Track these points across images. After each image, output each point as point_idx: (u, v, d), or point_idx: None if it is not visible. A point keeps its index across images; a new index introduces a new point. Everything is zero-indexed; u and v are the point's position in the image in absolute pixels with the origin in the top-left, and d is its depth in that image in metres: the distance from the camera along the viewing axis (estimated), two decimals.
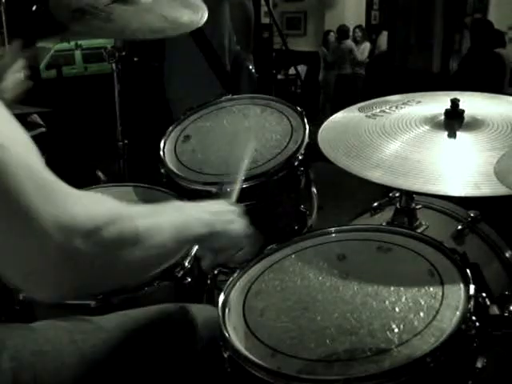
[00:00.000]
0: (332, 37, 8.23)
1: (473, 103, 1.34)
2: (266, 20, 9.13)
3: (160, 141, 1.59)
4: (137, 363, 0.97)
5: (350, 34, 8.15)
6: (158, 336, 1.02)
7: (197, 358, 1.04)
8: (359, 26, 8.48)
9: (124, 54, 1.96)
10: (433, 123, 1.29)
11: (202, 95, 2.44)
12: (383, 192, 1.58)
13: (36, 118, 3.24)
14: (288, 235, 1.30)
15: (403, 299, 0.99)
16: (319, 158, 1.33)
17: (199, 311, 1.12)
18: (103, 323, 0.99)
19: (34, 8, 3.72)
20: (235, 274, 1.15)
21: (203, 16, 1.76)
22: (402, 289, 1.01)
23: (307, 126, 1.51)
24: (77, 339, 0.93)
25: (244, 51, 2.78)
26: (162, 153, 1.54)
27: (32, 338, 0.90)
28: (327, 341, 0.93)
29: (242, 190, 1.40)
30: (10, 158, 0.64)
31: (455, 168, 1.14)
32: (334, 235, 1.26)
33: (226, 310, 1.05)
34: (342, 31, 7.89)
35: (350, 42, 7.87)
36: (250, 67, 2.83)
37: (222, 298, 1.08)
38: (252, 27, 2.67)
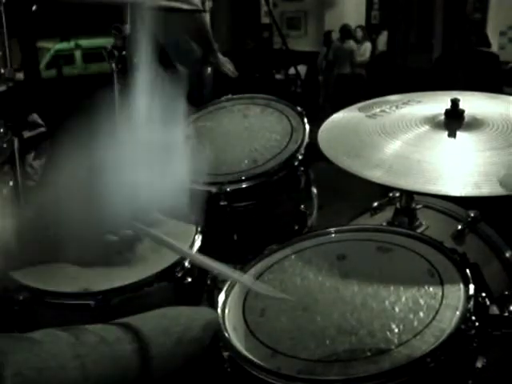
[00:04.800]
0: (335, 36, 8.22)
1: (473, 103, 1.34)
2: (266, 20, 9.16)
3: None
4: (138, 372, 0.97)
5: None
6: (159, 342, 1.02)
7: (197, 359, 1.04)
8: (360, 26, 8.47)
9: (124, 53, 1.96)
10: (433, 123, 1.29)
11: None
12: (383, 192, 1.58)
13: (36, 118, 3.24)
14: (288, 235, 1.30)
15: (403, 299, 0.99)
16: (319, 157, 1.33)
17: (196, 314, 1.11)
18: (105, 334, 0.98)
19: (33, 8, 3.72)
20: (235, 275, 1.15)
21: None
22: (401, 289, 1.01)
23: (307, 126, 1.51)
24: (80, 353, 0.92)
25: (208, 56, 2.85)
26: None
27: (35, 352, 0.88)
28: (327, 341, 0.93)
29: (242, 190, 1.41)
30: None
31: (455, 168, 1.14)
32: (333, 235, 1.26)
33: (226, 311, 1.05)
34: (345, 31, 7.88)
35: (352, 43, 7.86)
36: (209, 71, 2.89)
37: (222, 298, 1.08)
38: (206, 34, 2.73)
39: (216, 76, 3.03)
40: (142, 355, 0.97)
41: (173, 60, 2.71)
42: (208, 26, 2.75)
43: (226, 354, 0.95)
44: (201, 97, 2.83)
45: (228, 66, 2.90)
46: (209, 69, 2.93)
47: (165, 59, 2.70)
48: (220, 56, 2.89)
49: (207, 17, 2.80)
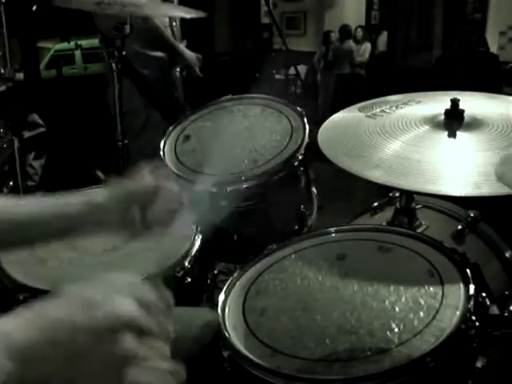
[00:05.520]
0: (334, 36, 8.22)
1: (473, 103, 1.34)
2: (266, 20, 9.15)
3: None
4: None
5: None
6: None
7: (197, 358, 1.04)
8: (360, 26, 8.47)
9: (124, 53, 1.96)
10: (433, 123, 1.29)
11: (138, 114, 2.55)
12: (383, 192, 1.58)
13: (36, 118, 3.24)
14: (288, 235, 1.30)
15: (403, 299, 0.99)
16: (319, 158, 1.33)
17: (198, 314, 1.12)
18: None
19: (33, 8, 3.72)
20: (235, 274, 1.15)
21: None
22: (401, 289, 1.01)
23: (307, 126, 1.51)
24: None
25: (175, 57, 2.88)
26: (161, 153, 1.54)
27: None
28: (327, 340, 0.93)
29: (242, 190, 1.41)
30: None
31: (455, 168, 1.14)
32: (333, 235, 1.26)
33: (226, 310, 1.05)
34: (345, 31, 7.87)
35: (351, 43, 7.86)
36: (177, 72, 2.91)
37: (221, 297, 1.08)
38: (163, 35, 2.76)
39: (186, 77, 3.04)
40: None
41: (136, 66, 2.72)
42: (163, 30, 2.75)
43: (225, 353, 0.95)
44: (172, 100, 2.83)
45: (196, 64, 2.92)
46: (177, 71, 2.94)
47: (128, 66, 2.70)
48: (188, 54, 2.89)
49: (165, 20, 2.80)
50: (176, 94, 2.93)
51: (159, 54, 2.82)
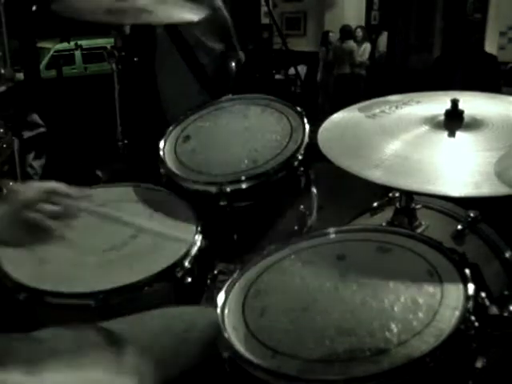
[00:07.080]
0: (333, 37, 8.21)
1: (473, 103, 1.33)
2: (266, 20, 9.15)
3: (160, 141, 1.59)
4: (140, 371, 0.97)
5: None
6: (161, 341, 1.01)
7: (197, 359, 1.04)
8: (360, 26, 8.47)
9: (124, 54, 1.96)
10: (433, 123, 1.29)
11: (192, 102, 2.57)
12: (383, 192, 1.58)
13: (36, 118, 3.24)
14: (288, 235, 1.30)
15: (402, 299, 0.99)
16: (319, 158, 1.33)
17: (199, 313, 1.11)
18: (107, 333, 0.98)
19: (33, 8, 3.72)
20: (235, 274, 1.15)
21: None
22: (401, 289, 1.01)
23: (307, 126, 1.51)
24: (82, 353, 0.92)
25: (230, 51, 2.94)
26: (161, 153, 1.54)
27: (40, 351, 0.88)
28: (327, 341, 0.93)
29: (242, 190, 1.41)
30: None
31: (455, 168, 1.14)
32: (333, 235, 1.26)
33: (226, 311, 1.05)
34: (346, 31, 7.88)
35: (352, 43, 7.86)
36: (233, 65, 2.95)
37: (221, 298, 1.08)
38: (230, 29, 2.80)
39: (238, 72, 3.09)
40: (144, 355, 0.97)
41: (197, 53, 2.75)
42: (230, 22, 2.79)
43: (225, 354, 0.95)
44: (225, 90, 2.87)
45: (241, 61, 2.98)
46: (233, 64, 2.98)
47: (188, 51, 2.71)
48: (240, 53, 2.95)
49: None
50: (230, 87, 2.96)
51: (216, 45, 2.84)
